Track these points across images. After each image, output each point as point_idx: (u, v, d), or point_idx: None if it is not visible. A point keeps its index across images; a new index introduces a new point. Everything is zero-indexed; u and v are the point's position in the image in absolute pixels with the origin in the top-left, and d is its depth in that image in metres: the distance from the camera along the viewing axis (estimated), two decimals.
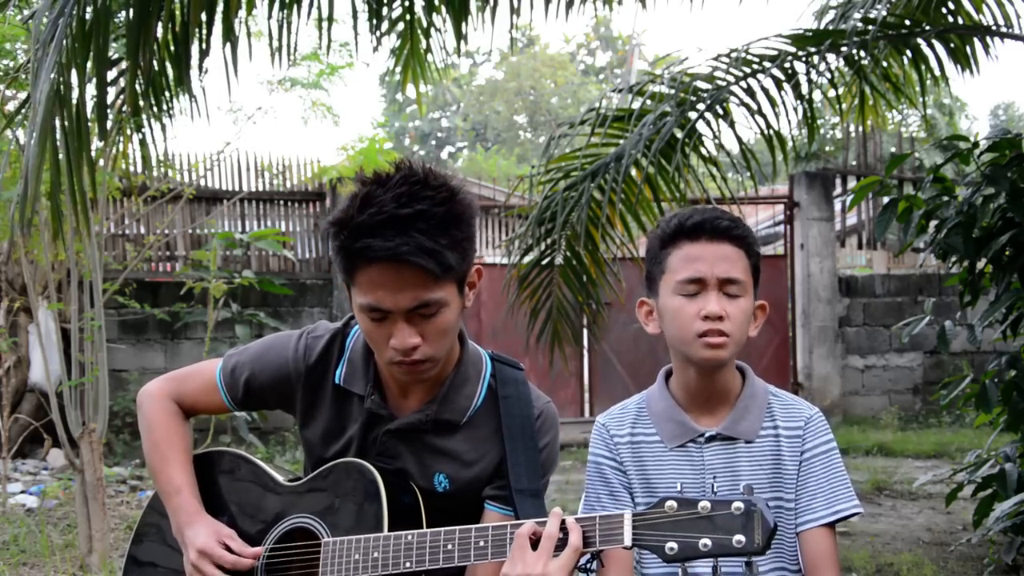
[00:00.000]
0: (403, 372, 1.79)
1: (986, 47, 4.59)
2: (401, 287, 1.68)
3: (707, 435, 1.88)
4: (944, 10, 4.53)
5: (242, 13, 3.49)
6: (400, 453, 1.88)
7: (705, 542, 1.48)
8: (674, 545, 1.50)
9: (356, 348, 1.93)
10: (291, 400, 1.97)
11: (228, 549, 1.83)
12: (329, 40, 4.04)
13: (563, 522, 1.60)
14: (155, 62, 3.53)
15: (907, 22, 4.42)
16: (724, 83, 4.35)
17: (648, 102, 4.36)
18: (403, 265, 1.66)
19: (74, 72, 3.16)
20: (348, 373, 1.92)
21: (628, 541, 1.54)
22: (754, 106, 4.41)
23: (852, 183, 9.70)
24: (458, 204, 1.71)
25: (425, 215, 1.66)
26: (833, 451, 1.89)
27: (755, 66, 4.37)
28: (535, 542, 1.60)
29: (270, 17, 3.72)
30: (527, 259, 4.72)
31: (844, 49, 4.29)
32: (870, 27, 4.18)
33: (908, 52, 4.66)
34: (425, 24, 4.46)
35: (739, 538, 1.47)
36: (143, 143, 3.92)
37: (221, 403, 2.00)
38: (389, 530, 1.74)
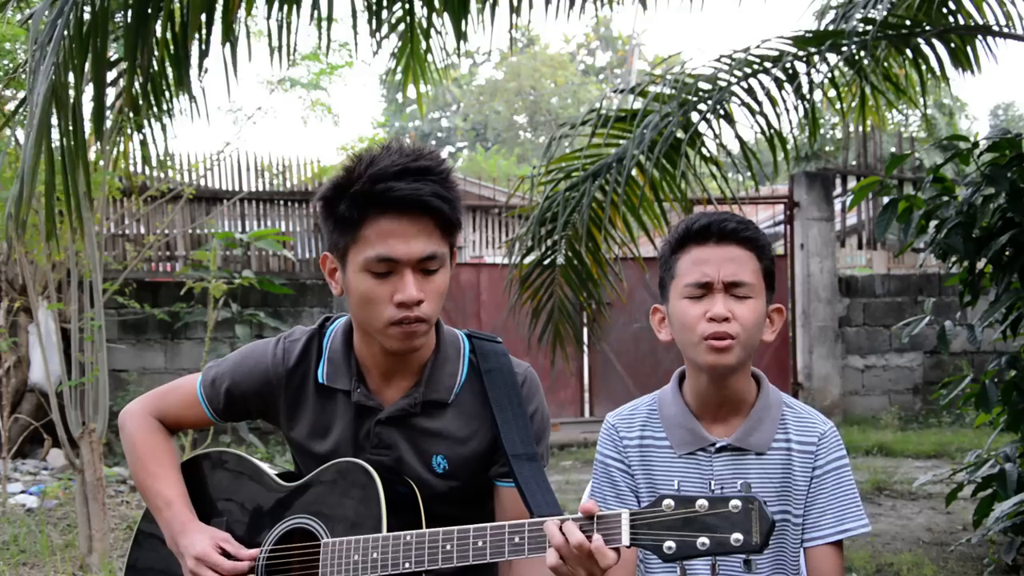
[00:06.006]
0: (399, 336, 1.79)
1: (987, 47, 4.59)
2: (414, 235, 1.74)
3: (718, 445, 1.86)
4: (944, 10, 4.53)
5: (241, 13, 3.49)
6: (395, 442, 1.89)
7: (703, 541, 1.47)
8: (672, 544, 1.49)
9: (334, 346, 1.94)
10: (274, 406, 1.97)
11: (225, 553, 1.83)
12: (329, 40, 4.04)
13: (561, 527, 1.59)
14: (154, 62, 3.53)
15: (907, 22, 4.42)
16: (726, 83, 4.35)
17: (652, 103, 4.35)
18: (418, 212, 1.74)
19: (71, 73, 3.15)
20: (330, 371, 1.92)
21: (626, 540, 1.53)
22: (755, 106, 4.41)
23: (852, 183, 9.70)
24: (452, 172, 1.82)
25: (433, 170, 1.77)
26: (845, 468, 1.87)
27: (756, 66, 4.38)
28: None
29: (270, 17, 3.72)
30: (528, 259, 4.72)
31: (845, 49, 4.29)
32: (870, 27, 4.18)
33: (908, 52, 4.65)
34: (425, 25, 4.47)
35: (737, 536, 1.46)
36: (143, 143, 3.92)
37: (204, 416, 2.01)
38: (388, 524, 1.74)
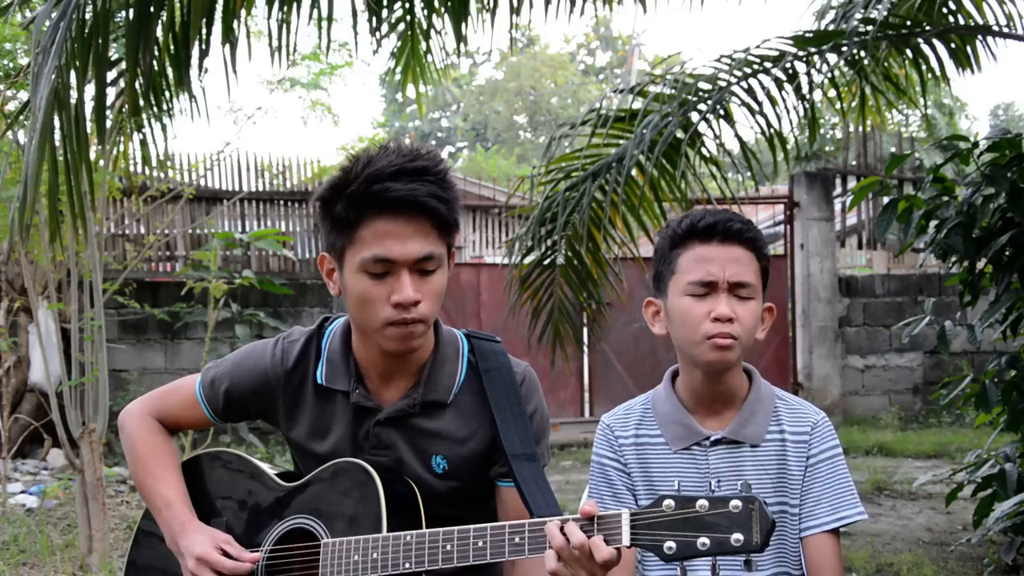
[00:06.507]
0: (396, 336, 1.79)
1: (987, 47, 4.59)
2: (411, 235, 1.74)
3: (712, 439, 1.88)
4: (944, 10, 4.53)
5: (242, 13, 3.49)
6: (394, 443, 1.89)
7: (703, 541, 1.48)
8: (672, 544, 1.50)
9: (333, 347, 1.94)
10: (273, 406, 1.97)
11: (226, 555, 1.83)
12: (329, 40, 4.04)
13: (562, 527, 1.60)
14: (155, 62, 3.53)
15: (908, 22, 4.42)
16: (726, 83, 4.35)
17: (652, 103, 4.35)
18: (415, 212, 1.73)
19: (73, 74, 3.15)
20: (329, 372, 1.92)
21: (626, 540, 1.54)
22: (755, 106, 4.41)
23: (852, 183, 9.70)
24: (449, 172, 1.81)
25: (430, 170, 1.77)
26: (839, 456, 1.89)
27: (756, 66, 4.38)
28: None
29: (270, 17, 3.72)
30: (528, 259, 4.72)
31: (845, 49, 4.29)
32: (870, 27, 4.18)
33: (908, 52, 4.66)
34: (425, 26, 4.47)
35: (737, 536, 1.46)
36: (143, 143, 3.92)
37: (203, 417, 2.01)
38: (388, 524, 1.75)
